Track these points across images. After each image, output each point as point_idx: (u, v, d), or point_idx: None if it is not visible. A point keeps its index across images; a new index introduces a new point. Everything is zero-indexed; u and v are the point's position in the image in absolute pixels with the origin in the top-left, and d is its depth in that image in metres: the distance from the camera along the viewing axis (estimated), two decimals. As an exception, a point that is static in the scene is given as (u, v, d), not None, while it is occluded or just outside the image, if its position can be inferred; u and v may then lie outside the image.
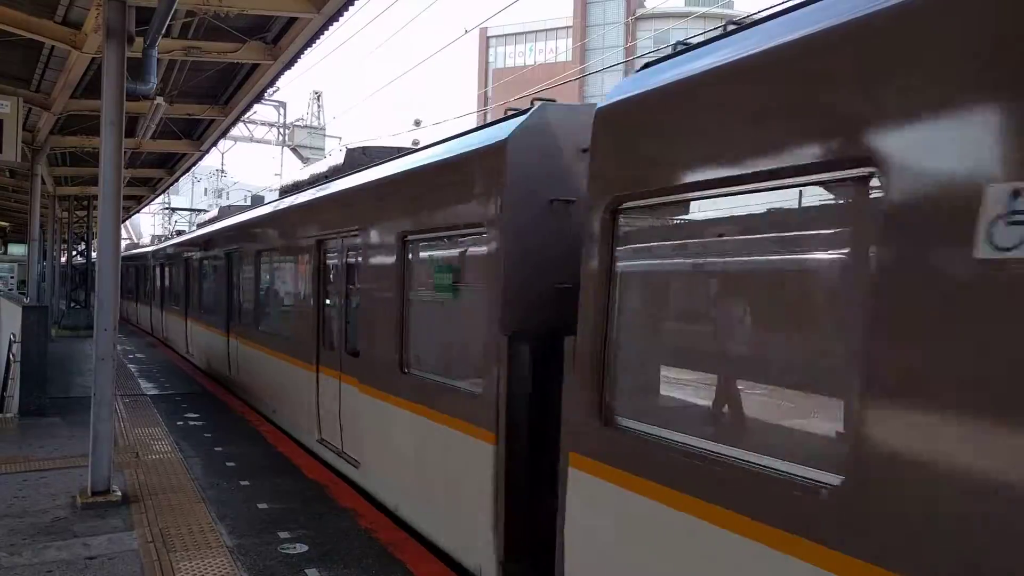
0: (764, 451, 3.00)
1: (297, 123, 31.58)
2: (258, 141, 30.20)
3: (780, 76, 3.00)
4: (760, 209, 3.31)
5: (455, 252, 5.92)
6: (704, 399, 3.76)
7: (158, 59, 8.70)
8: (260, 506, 6.68)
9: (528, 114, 5.05)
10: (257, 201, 18.11)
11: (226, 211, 17.91)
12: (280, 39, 9.92)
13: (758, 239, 3.42)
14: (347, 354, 7.58)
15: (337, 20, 8.74)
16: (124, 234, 41.42)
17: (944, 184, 2.34)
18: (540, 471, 4.49)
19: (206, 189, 55.10)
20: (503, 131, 5.03)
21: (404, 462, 6.23)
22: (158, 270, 22.83)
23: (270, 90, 13.20)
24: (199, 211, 31.33)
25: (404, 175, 6.54)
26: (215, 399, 12.41)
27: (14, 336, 11.20)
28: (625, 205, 3.78)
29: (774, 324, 3.34)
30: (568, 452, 4.01)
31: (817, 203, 3.12)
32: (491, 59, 64.89)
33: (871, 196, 2.61)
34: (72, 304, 25.67)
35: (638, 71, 4.14)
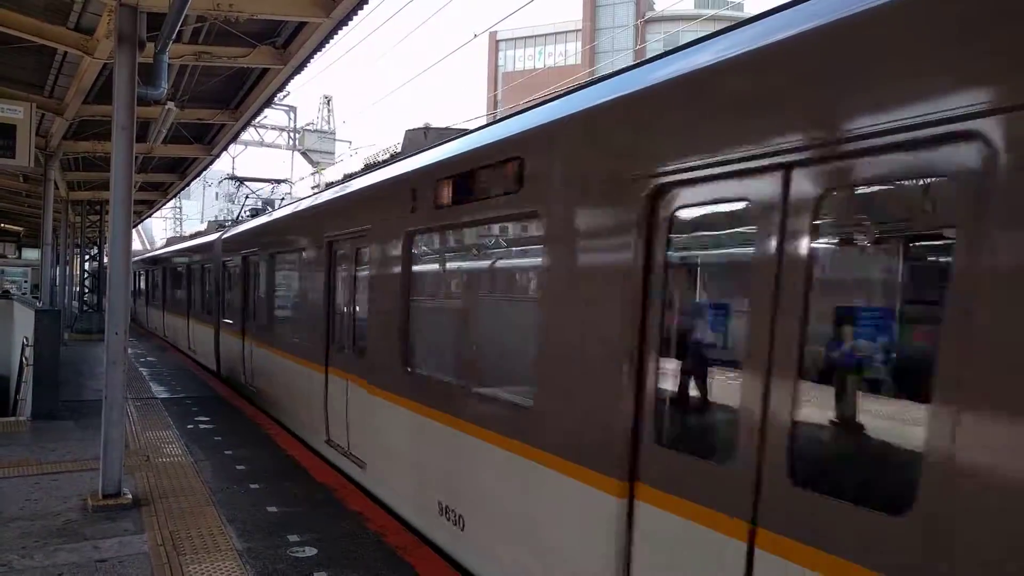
0: None
1: (307, 127, 31.74)
2: (269, 145, 30.33)
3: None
4: None
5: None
6: None
7: (169, 64, 8.76)
8: (270, 509, 6.70)
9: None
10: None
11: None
12: (290, 43, 9.97)
13: None
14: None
15: (347, 24, 8.77)
16: (135, 238, 41.69)
17: None
18: None
19: (217, 194, 55.40)
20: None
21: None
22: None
23: (280, 94, 13.28)
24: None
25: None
26: (226, 403, 12.45)
27: (27, 340, 11.29)
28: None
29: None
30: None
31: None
32: (501, 63, 64.97)
33: None
34: (85, 308, 25.83)
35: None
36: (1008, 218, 2.26)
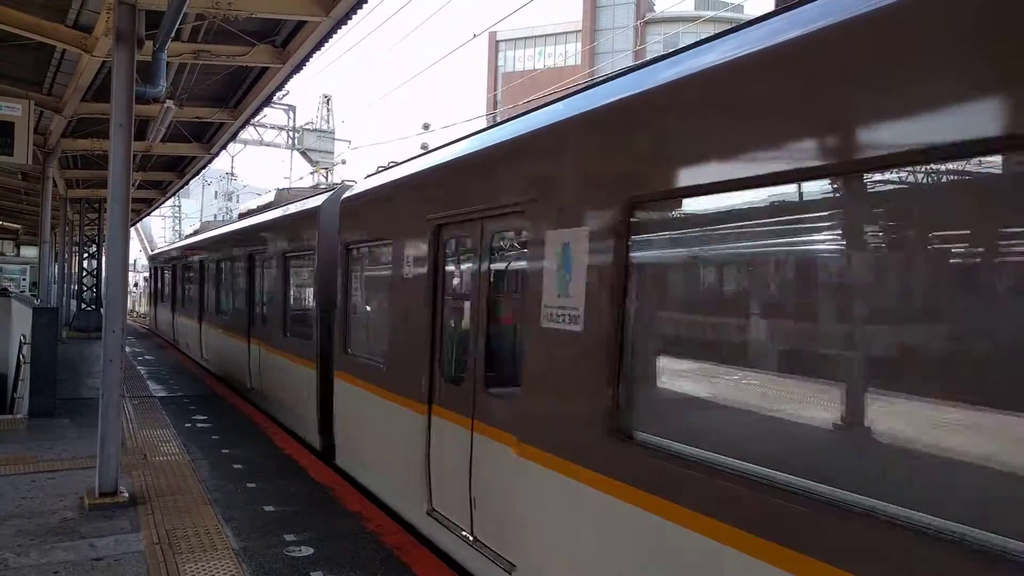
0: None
1: (306, 126, 31.66)
2: (268, 144, 30.25)
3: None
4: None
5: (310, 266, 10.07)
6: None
7: (168, 62, 8.75)
8: (267, 508, 6.69)
9: (334, 190, 9.67)
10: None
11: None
12: (289, 42, 9.96)
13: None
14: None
15: (346, 23, 8.78)
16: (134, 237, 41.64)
17: None
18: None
19: (216, 192, 55.40)
20: (319, 200, 9.59)
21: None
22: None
23: (279, 93, 13.28)
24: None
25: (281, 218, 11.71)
26: (224, 402, 12.44)
27: (24, 337, 11.27)
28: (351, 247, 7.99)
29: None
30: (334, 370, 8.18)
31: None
32: (500, 63, 64.96)
33: None
34: (82, 306, 25.79)
35: (366, 177, 8.25)
36: None
